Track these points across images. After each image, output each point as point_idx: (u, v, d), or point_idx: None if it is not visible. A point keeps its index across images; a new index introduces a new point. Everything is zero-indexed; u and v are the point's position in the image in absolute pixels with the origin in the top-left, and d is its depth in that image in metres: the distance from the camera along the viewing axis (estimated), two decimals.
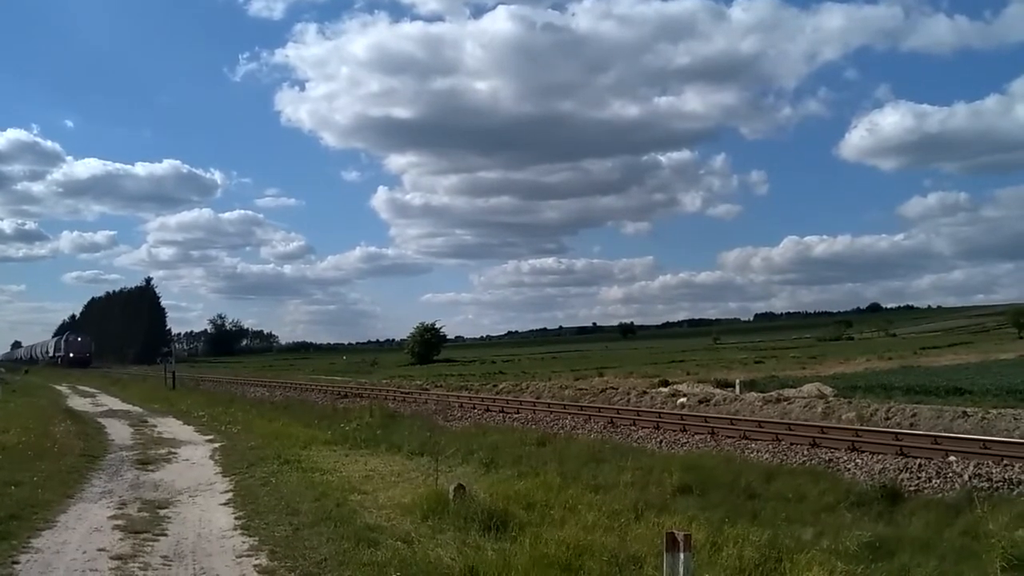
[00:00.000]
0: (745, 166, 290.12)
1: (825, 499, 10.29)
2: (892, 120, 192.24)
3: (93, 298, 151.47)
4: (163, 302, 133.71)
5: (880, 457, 12.82)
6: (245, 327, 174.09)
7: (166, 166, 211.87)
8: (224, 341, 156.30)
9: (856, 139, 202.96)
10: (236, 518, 9.30)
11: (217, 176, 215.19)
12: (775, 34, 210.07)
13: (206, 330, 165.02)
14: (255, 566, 7.26)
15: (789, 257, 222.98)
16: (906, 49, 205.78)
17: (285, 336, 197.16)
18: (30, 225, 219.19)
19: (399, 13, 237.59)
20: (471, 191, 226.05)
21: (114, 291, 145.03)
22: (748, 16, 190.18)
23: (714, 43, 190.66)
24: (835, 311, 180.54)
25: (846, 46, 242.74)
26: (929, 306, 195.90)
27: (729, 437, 15.81)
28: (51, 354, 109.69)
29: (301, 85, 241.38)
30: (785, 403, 20.45)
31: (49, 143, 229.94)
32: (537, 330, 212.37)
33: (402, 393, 30.45)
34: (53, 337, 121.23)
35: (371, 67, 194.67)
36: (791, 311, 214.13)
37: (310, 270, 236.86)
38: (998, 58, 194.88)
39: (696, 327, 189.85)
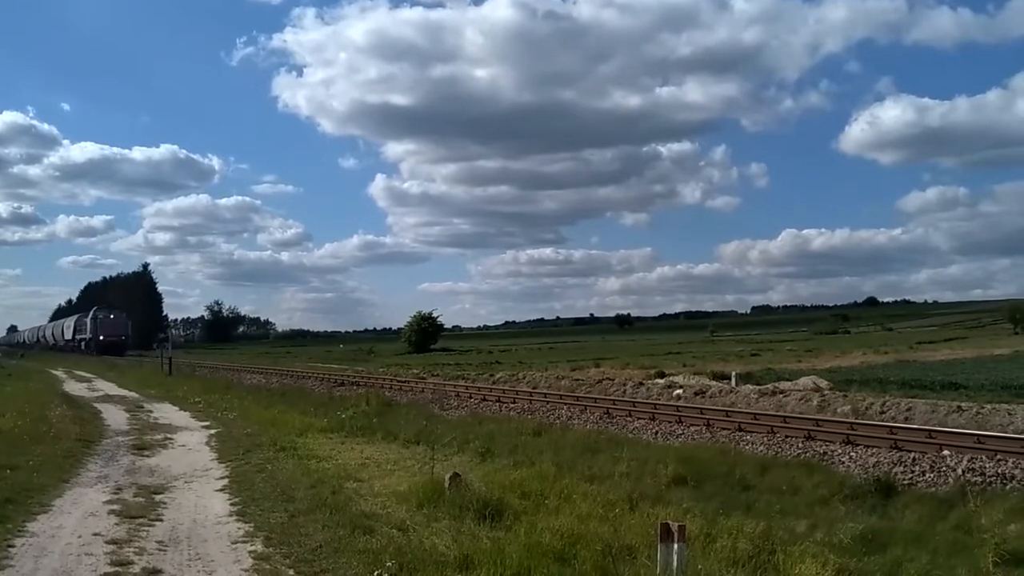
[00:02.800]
0: (745, 158, 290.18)
1: (819, 492, 10.33)
2: (893, 114, 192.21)
3: (89, 283, 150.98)
4: (160, 288, 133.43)
5: (874, 450, 12.85)
6: (242, 314, 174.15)
7: (163, 151, 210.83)
8: (221, 328, 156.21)
9: (856, 132, 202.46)
10: (232, 504, 9.33)
11: (215, 162, 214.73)
12: (778, 25, 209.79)
13: (203, 316, 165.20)
14: (250, 552, 7.29)
15: (787, 250, 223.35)
16: (909, 42, 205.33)
17: (282, 323, 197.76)
18: (26, 209, 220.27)
19: None
20: (469, 180, 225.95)
21: (110, 276, 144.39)
22: (751, 6, 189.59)
23: (716, 33, 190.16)
24: (832, 305, 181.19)
25: (848, 38, 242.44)
26: (926, 301, 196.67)
27: (724, 429, 15.84)
28: (69, 337, 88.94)
29: (299, 70, 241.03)
30: (781, 396, 20.48)
31: (46, 126, 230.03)
32: (534, 320, 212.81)
33: (399, 382, 30.45)
34: (68, 316, 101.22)
35: (370, 53, 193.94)
36: (788, 304, 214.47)
37: (307, 257, 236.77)
38: (1001, 52, 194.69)
39: (693, 319, 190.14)
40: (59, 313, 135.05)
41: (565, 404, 21.07)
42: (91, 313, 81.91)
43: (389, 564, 6.54)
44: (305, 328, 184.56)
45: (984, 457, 11.69)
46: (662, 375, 30.34)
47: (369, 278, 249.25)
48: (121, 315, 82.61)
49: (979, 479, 10.85)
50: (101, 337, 75.86)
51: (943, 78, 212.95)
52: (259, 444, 13.99)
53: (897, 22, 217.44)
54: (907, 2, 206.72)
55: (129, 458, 13.00)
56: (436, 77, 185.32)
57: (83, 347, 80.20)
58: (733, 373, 28.29)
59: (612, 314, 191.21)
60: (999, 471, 11.06)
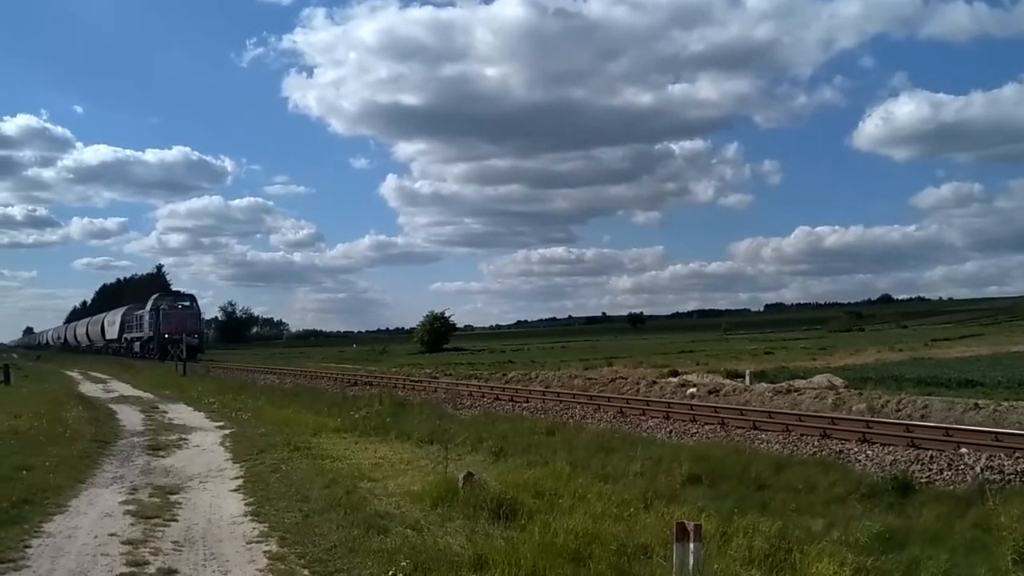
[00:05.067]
0: (758, 155, 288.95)
1: (835, 490, 10.25)
2: (907, 109, 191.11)
3: (104, 284, 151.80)
4: (173, 289, 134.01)
5: (891, 448, 12.76)
6: (255, 314, 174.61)
7: (176, 153, 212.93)
8: (234, 329, 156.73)
9: (870, 128, 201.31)
10: (246, 504, 9.36)
11: (227, 163, 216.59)
12: (791, 20, 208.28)
13: (216, 317, 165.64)
14: (265, 552, 7.30)
15: (800, 248, 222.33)
16: (924, 36, 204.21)
17: (295, 324, 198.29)
18: (41, 211, 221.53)
19: None
20: (481, 179, 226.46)
21: (125, 278, 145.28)
22: (763, 2, 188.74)
23: (728, 30, 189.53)
24: (846, 302, 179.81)
25: (862, 33, 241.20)
26: (941, 298, 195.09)
27: (739, 427, 15.77)
28: (112, 336, 71.77)
29: (309, 71, 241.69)
30: (795, 394, 20.38)
31: (59, 129, 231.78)
32: (547, 319, 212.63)
33: (411, 381, 30.50)
34: (112, 311, 78.72)
35: (380, 53, 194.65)
36: (801, 302, 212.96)
37: (319, 258, 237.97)
38: (1017, 46, 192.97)
39: (706, 318, 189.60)
40: (74, 315, 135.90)
41: (578, 403, 21.03)
42: (150, 304, 60.95)
43: (403, 564, 6.53)
44: (318, 328, 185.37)
45: (1003, 455, 11.58)
46: (675, 374, 30.22)
47: (381, 278, 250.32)
48: (191, 307, 60.61)
49: (998, 477, 10.75)
50: (166, 335, 54.81)
51: (958, 73, 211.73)
52: (273, 444, 14.03)
53: (912, 16, 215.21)
54: None
55: (144, 458, 13.07)
56: (446, 76, 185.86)
57: (138, 348, 62.03)
58: (747, 371, 28.14)
59: (624, 313, 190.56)
60: (1018, 469, 10.96)
